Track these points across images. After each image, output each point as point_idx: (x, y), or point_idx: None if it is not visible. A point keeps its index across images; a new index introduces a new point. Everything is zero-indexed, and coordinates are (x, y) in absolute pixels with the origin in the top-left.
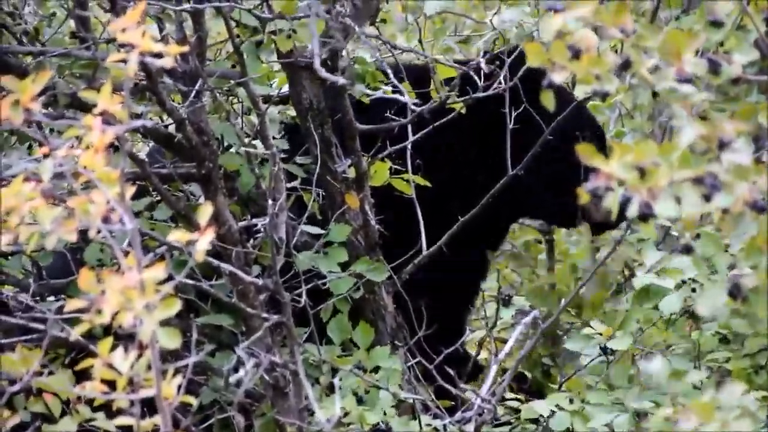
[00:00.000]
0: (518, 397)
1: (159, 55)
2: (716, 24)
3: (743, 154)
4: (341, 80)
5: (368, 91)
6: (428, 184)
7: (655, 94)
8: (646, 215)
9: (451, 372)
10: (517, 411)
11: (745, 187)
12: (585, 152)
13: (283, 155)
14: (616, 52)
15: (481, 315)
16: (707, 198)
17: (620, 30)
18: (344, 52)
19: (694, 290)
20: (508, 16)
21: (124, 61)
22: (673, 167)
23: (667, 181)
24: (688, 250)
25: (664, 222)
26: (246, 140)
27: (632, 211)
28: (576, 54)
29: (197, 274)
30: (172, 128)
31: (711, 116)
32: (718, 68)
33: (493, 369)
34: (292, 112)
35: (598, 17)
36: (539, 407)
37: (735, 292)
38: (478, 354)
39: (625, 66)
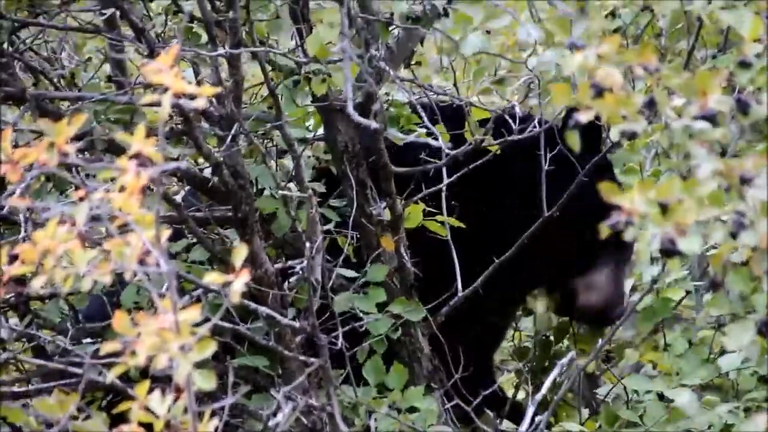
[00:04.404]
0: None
1: (193, 97)
2: (745, 65)
3: (765, 190)
4: (374, 124)
5: (402, 135)
6: (462, 225)
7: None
8: (669, 251)
9: (490, 414)
10: None
11: None
12: (606, 190)
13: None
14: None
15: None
16: (734, 236)
17: (644, 68)
18: (379, 95)
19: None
20: (547, 57)
21: (158, 104)
22: (702, 204)
23: (694, 218)
24: (715, 285)
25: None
26: (282, 183)
27: (654, 246)
28: (599, 92)
29: (234, 317)
30: (207, 172)
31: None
32: (746, 108)
33: (530, 410)
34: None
35: (622, 56)
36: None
37: (764, 330)
38: (515, 395)
39: (650, 105)
